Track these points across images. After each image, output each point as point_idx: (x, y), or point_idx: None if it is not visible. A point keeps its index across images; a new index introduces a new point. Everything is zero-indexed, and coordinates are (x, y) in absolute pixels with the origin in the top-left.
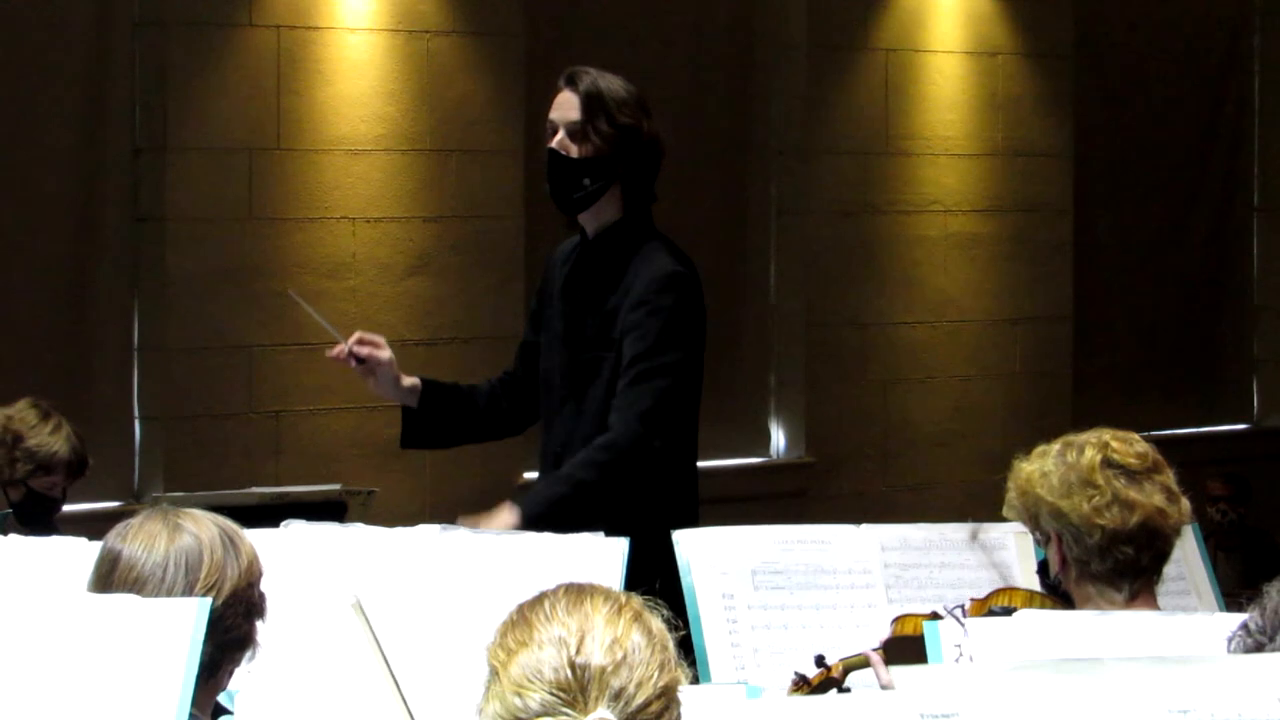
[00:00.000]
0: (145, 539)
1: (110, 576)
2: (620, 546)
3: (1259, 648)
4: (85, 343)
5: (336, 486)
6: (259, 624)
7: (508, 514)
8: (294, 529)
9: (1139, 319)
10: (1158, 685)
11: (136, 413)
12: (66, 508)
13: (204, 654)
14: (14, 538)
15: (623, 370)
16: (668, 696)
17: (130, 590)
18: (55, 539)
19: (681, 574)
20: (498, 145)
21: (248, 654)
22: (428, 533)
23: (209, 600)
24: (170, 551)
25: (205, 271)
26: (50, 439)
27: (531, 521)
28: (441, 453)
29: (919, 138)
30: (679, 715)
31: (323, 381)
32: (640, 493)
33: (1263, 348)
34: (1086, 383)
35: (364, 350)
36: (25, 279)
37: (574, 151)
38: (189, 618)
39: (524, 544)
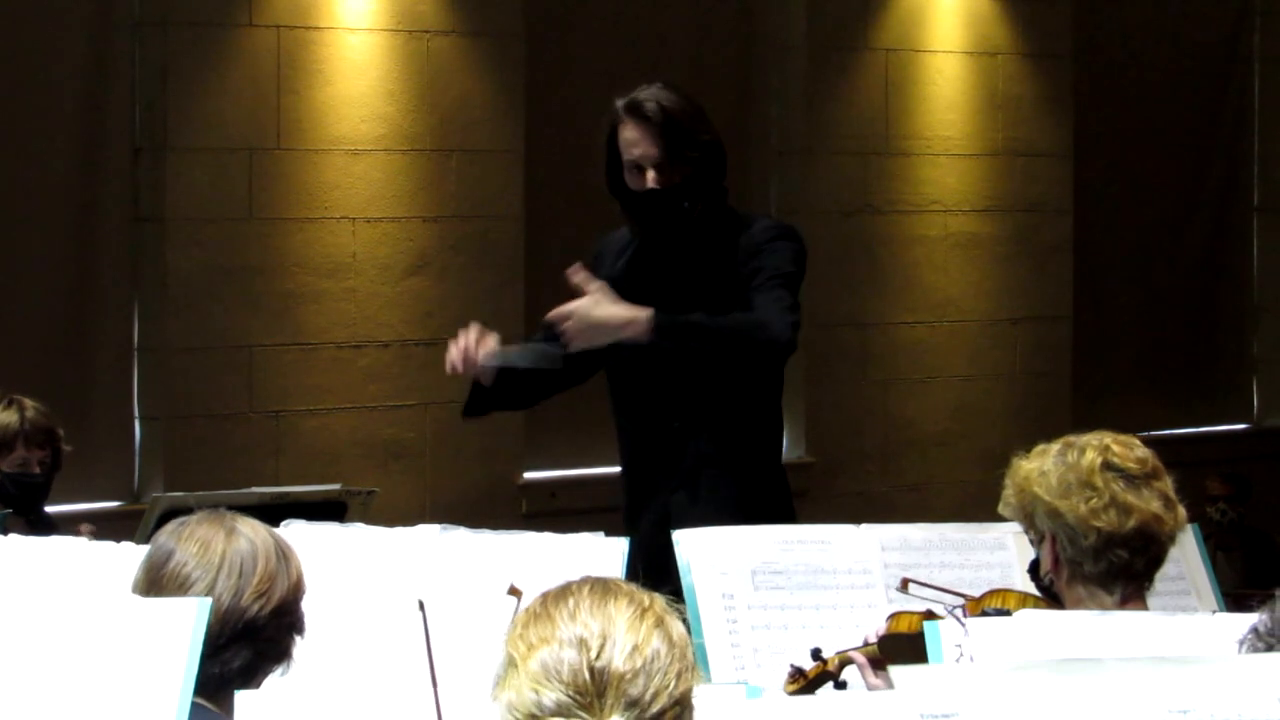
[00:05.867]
0: (200, 541)
1: (160, 574)
2: (620, 546)
3: (1269, 650)
4: (85, 343)
5: (336, 486)
6: (297, 639)
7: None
8: (294, 529)
9: (1139, 319)
10: (1158, 685)
11: (136, 413)
12: (67, 507)
13: (243, 659)
14: (14, 537)
15: (762, 280)
16: (683, 704)
17: (177, 591)
18: (55, 539)
19: (681, 574)
20: (498, 145)
21: (281, 667)
22: (428, 533)
23: (209, 601)
24: (226, 555)
25: (205, 271)
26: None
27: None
28: (441, 453)
29: (919, 138)
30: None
31: (323, 381)
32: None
33: (1263, 348)
34: (1086, 383)
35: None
36: (25, 279)
37: (666, 181)
38: (189, 618)
39: (524, 544)
